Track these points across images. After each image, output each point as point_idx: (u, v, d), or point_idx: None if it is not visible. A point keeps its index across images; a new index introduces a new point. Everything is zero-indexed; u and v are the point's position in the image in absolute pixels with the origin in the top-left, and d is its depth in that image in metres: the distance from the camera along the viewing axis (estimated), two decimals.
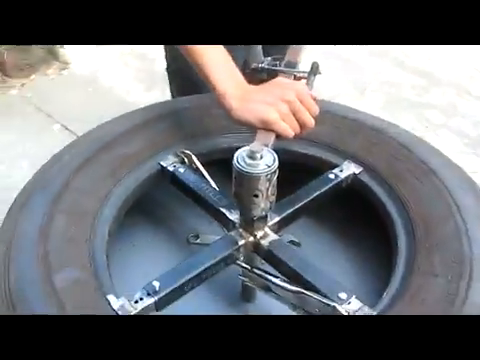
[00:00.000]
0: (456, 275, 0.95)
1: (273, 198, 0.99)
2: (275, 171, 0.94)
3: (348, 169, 1.17)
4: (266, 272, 1.05)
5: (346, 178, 1.16)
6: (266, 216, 1.04)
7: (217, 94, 1.07)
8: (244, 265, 1.07)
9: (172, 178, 1.17)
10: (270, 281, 1.03)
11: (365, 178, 1.17)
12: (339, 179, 1.16)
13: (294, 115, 1.06)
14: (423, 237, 1.03)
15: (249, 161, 0.94)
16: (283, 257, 1.01)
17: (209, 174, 1.16)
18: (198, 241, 1.27)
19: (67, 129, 2.29)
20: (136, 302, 0.94)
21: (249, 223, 1.03)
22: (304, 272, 0.99)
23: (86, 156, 1.14)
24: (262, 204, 0.97)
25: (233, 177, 0.97)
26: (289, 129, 1.05)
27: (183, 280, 0.98)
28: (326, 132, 1.23)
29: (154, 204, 1.30)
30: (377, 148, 1.20)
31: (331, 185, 1.15)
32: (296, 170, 1.20)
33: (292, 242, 1.25)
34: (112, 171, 1.13)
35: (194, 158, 1.16)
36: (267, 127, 1.04)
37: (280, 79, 1.11)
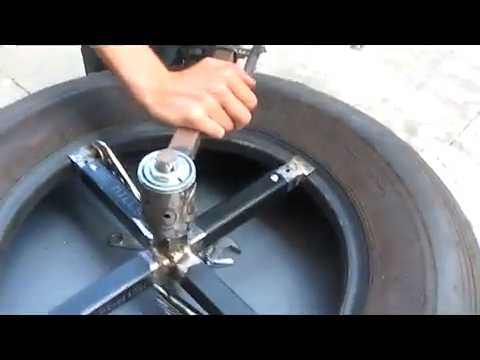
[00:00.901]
0: None
1: (191, 217, 0.79)
2: (192, 186, 0.74)
3: (296, 169, 0.96)
4: (183, 302, 0.86)
5: (293, 181, 0.96)
6: (185, 236, 0.84)
7: (129, 88, 0.85)
8: (161, 290, 0.88)
9: (83, 176, 0.96)
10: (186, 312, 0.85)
11: (316, 181, 0.96)
12: (283, 182, 0.95)
13: (225, 108, 0.84)
14: (379, 265, 0.83)
15: (157, 174, 0.73)
16: (202, 287, 0.83)
17: (130, 170, 0.95)
18: (121, 243, 1.07)
19: (18, 85, 2.06)
20: None
21: (163, 244, 0.83)
22: (223, 307, 0.80)
23: None
24: (176, 226, 0.78)
25: (139, 192, 0.77)
26: (218, 127, 0.84)
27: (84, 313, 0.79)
28: (271, 119, 1.02)
29: (72, 198, 1.09)
30: (334, 143, 0.99)
31: (274, 190, 0.95)
32: (232, 165, 1.01)
33: (231, 248, 1.06)
34: (7, 169, 0.92)
35: (109, 152, 0.95)
36: (190, 126, 0.83)
37: (208, 61, 0.89)
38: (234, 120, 0.86)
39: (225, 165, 1.06)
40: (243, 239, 1.07)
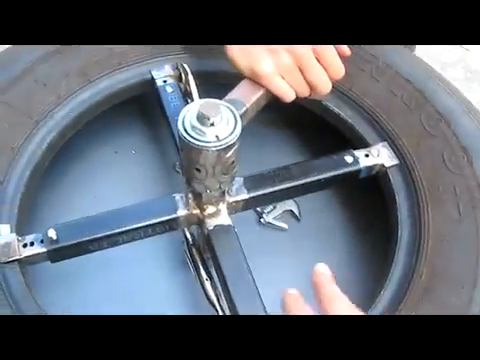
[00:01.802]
0: None
1: (227, 178, 0.73)
2: (230, 146, 0.67)
3: (377, 156, 0.85)
4: (202, 258, 0.82)
5: (367, 168, 0.85)
6: (223, 192, 0.78)
7: None
8: (187, 235, 0.84)
9: (157, 94, 0.92)
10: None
11: (394, 178, 0.85)
12: (356, 167, 0.85)
13: (302, 72, 0.75)
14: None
15: (196, 124, 0.67)
16: (218, 250, 0.78)
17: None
18: None
19: None
20: (25, 246, 0.76)
21: (198, 194, 0.78)
22: (230, 279, 0.75)
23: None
24: (207, 182, 0.72)
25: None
26: (287, 89, 0.76)
27: (88, 238, 0.79)
28: (376, 93, 0.90)
29: (151, 110, 1.06)
30: (434, 141, 0.86)
31: (341, 171, 0.85)
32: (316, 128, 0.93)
33: (292, 213, 0.99)
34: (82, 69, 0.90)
35: (190, 78, 0.90)
36: (257, 80, 0.75)
37: None
38: (311, 86, 0.76)
39: (309, 125, 0.97)
40: (309, 208, 0.99)
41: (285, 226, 0.97)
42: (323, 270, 0.64)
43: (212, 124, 0.67)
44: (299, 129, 1.06)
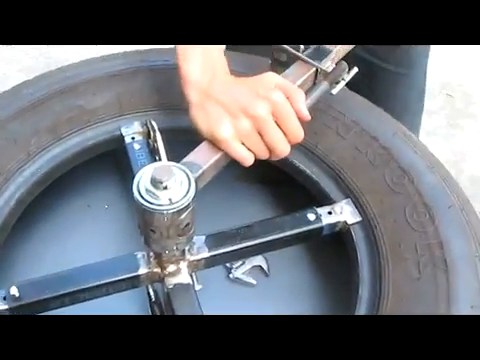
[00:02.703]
0: None
1: (182, 239, 0.74)
2: (183, 209, 0.69)
3: (340, 214, 0.86)
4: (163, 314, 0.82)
5: (330, 226, 0.86)
6: (183, 251, 0.79)
7: (179, 75, 0.80)
8: (150, 292, 0.84)
9: (125, 152, 0.94)
10: None
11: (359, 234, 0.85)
12: (319, 225, 0.86)
13: (262, 136, 0.76)
14: None
15: (149, 187, 0.69)
16: (176, 309, 0.77)
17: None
18: None
19: None
20: None
21: (158, 253, 0.79)
22: None
23: None
24: (163, 243, 0.73)
25: None
26: (246, 154, 0.77)
27: (50, 295, 0.79)
28: (341, 149, 0.92)
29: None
30: (397, 198, 0.86)
31: (303, 229, 0.85)
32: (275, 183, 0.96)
33: (260, 268, 0.99)
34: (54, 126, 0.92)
35: (157, 135, 0.91)
36: (216, 144, 0.77)
37: (270, 76, 0.80)
38: (270, 149, 0.78)
39: (278, 180, 0.98)
40: (279, 263, 1.00)
41: (254, 282, 0.98)
42: None
43: (165, 188, 0.68)
44: (268, 184, 1.07)
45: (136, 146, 0.92)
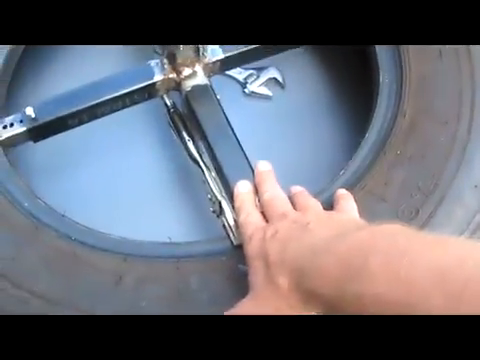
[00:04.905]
0: None
1: None
2: None
3: None
4: (184, 123, 0.81)
5: None
6: (198, 50, 0.77)
7: None
8: (167, 102, 0.83)
9: None
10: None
11: None
12: None
13: None
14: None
15: None
16: (197, 109, 0.77)
17: None
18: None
19: None
20: (4, 128, 0.76)
21: (173, 56, 0.77)
22: (212, 138, 0.74)
23: None
24: None
25: None
26: None
27: (67, 112, 0.77)
28: None
29: None
30: None
31: None
32: None
33: (275, 80, 0.97)
34: None
35: None
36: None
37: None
38: None
39: None
40: (293, 74, 0.98)
41: (270, 93, 0.96)
42: (264, 167, 0.69)
43: None
44: None
45: None
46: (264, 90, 0.96)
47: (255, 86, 0.96)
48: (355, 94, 0.93)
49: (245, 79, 0.96)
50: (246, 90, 0.96)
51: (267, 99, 0.96)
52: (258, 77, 0.97)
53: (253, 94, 0.96)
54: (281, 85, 0.97)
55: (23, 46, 0.86)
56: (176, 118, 0.81)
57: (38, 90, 0.95)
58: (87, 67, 0.96)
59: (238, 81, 0.97)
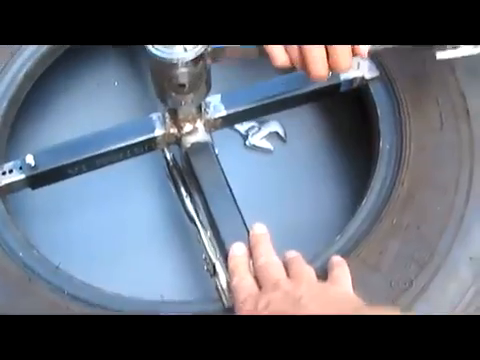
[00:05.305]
0: None
1: (199, 91, 0.71)
2: (200, 57, 0.66)
3: (357, 69, 0.84)
4: (182, 177, 0.81)
5: (348, 82, 0.84)
6: (200, 107, 0.77)
7: None
8: (167, 156, 0.83)
9: None
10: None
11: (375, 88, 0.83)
12: (336, 81, 0.84)
13: None
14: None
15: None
16: (196, 166, 0.77)
17: None
18: None
19: None
20: (4, 174, 0.77)
21: (174, 112, 0.77)
22: (209, 195, 0.74)
23: None
24: (179, 96, 0.71)
25: None
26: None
27: (67, 162, 0.78)
28: None
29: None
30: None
31: (320, 86, 0.83)
32: None
33: (277, 134, 0.98)
34: None
35: None
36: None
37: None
38: None
39: None
40: (294, 129, 0.98)
41: (271, 147, 0.96)
42: (260, 230, 0.69)
43: None
44: None
45: None
46: (265, 143, 0.97)
47: (257, 139, 0.96)
48: (356, 155, 0.93)
49: (246, 131, 0.97)
50: (247, 143, 0.96)
51: (268, 153, 0.96)
52: (259, 129, 0.97)
53: (254, 147, 0.96)
54: (282, 139, 0.97)
55: (26, 91, 0.86)
56: (175, 172, 0.82)
57: (39, 135, 0.95)
58: (89, 115, 0.97)
59: (239, 133, 0.97)
